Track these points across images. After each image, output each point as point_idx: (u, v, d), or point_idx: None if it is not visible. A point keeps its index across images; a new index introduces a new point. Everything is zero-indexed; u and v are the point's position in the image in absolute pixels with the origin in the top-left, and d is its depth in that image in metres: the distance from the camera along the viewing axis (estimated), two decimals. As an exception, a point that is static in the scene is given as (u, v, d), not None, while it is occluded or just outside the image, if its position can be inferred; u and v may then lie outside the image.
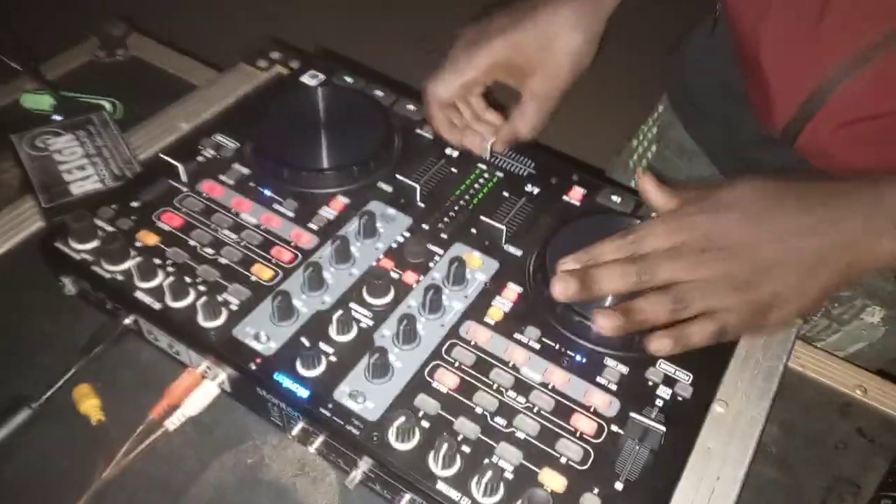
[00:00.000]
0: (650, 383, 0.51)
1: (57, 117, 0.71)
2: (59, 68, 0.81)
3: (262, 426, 0.52)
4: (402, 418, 0.45)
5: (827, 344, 0.75)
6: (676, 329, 0.50)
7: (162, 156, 0.61)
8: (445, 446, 0.44)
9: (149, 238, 0.57)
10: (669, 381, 0.51)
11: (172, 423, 0.50)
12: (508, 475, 0.45)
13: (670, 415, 0.49)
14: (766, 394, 0.56)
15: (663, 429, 0.46)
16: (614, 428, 0.48)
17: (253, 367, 0.50)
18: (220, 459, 0.51)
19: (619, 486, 0.45)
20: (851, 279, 0.51)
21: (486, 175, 0.64)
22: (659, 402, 0.50)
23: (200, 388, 0.52)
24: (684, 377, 0.51)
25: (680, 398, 0.50)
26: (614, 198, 0.63)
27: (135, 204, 0.59)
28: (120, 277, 0.54)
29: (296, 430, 0.49)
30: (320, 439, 0.48)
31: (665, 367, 0.52)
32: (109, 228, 0.57)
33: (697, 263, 0.49)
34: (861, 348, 0.74)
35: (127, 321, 0.54)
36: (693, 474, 0.50)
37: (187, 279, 0.54)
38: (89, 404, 0.51)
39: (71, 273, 0.55)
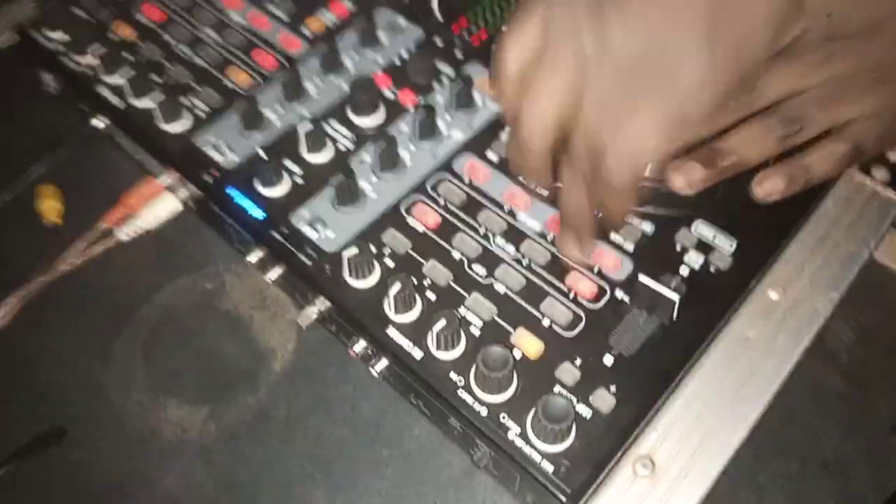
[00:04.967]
0: (678, 248, 0.40)
1: None
2: None
3: (229, 251, 0.46)
4: (355, 250, 0.38)
5: None
6: (791, 161, 0.38)
7: (151, -59, 0.53)
8: (397, 286, 0.36)
9: (124, 30, 0.50)
10: (704, 248, 0.40)
11: (126, 233, 0.45)
12: (475, 331, 0.37)
13: (696, 287, 0.39)
14: (839, 284, 0.44)
15: (677, 297, 0.36)
16: (619, 294, 0.39)
17: (207, 178, 0.43)
18: (178, 281, 0.46)
19: (608, 359, 0.36)
20: None
21: (526, -13, 0.52)
22: (684, 271, 0.39)
23: (159, 200, 0.46)
24: (726, 245, 0.40)
25: (713, 269, 0.39)
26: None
27: (118, -7, 0.52)
28: (87, 71, 0.48)
29: (252, 257, 0.43)
30: (277, 270, 0.42)
31: (703, 229, 0.41)
32: (86, 17, 0.51)
33: (822, 59, 0.37)
34: None
35: (98, 123, 0.49)
36: (721, 365, 0.40)
37: (155, 77, 0.47)
38: (47, 205, 0.47)
39: (46, 65, 0.50)
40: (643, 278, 0.37)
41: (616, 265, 0.39)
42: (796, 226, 0.43)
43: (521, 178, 0.42)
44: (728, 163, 0.38)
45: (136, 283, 0.45)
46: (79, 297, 0.44)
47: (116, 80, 0.47)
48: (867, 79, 0.37)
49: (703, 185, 0.38)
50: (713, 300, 0.39)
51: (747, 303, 0.42)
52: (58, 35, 0.50)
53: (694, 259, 0.40)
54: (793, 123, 0.37)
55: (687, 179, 0.38)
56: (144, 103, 0.46)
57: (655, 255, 0.40)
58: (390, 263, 0.40)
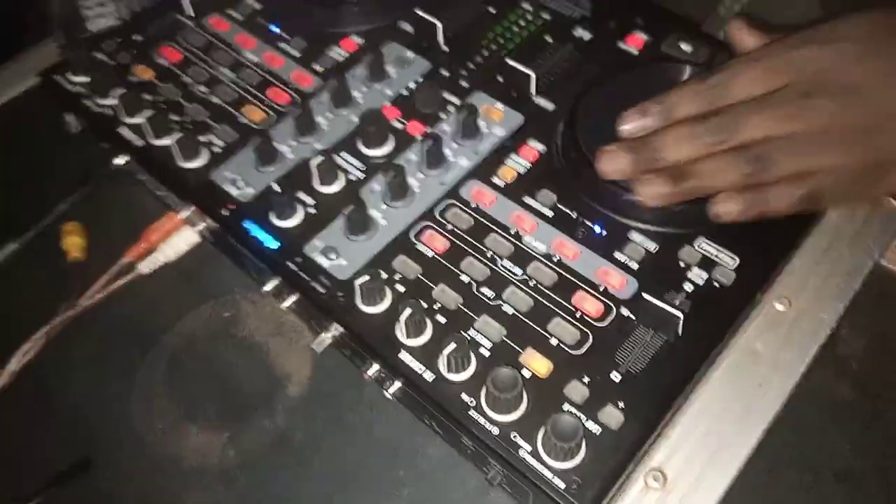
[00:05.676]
0: (682, 264, 0.41)
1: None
2: None
3: (246, 280, 0.48)
4: (366, 277, 0.39)
5: None
6: (752, 190, 0.39)
7: (168, -14, 0.56)
8: (408, 311, 0.38)
9: (144, 72, 0.52)
10: (707, 264, 0.41)
11: (147, 266, 0.47)
12: (485, 352, 0.38)
13: (700, 302, 0.39)
14: (844, 294, 0.44)
15: (681, 315, 0.37)
16: (625, 312, 0.39)
17: (224, 212, 0.45)
18: (197, 310, 0.47)
19: (615, 376, 0.37)
20: None
21: (528, 17, 0.54)
22: (688, 287, 0.40)
23: (178, 234, 0.48)
24: (728, 261, 0.41)
25: (717, 284, 0.40)
26: (683, 45, 0.51)
27: (137, 38, 0.55)
28: (108, 112, 0.50)
29: (269, 286, 0.44)
30: (292, 298, 0.43)
31: (706, 246, 0.42)
32: (109, 62, 0.53)
33: (797, 113, 0.38)
34: None
35: (120, 161, 0.51)
36: (731, 377, 0.41)
37: (173, 117, 0.49)
38: (71, 241, 0.49)
39: (68, 107, 0.52)
40: (648, 296, 0.38)
41: (621, 283, 0.40)
42: (800, 238, 0.43)
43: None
44: (690, 185, 0.39)
45: (157, 313, 0.47)
46: (102, 330, 0.46)
47: (137, 120, 0.49)
48: (837, 138, 0.38)
49: (663, 201, 0.40)
50: (717, 315, 0.39)
51: (754, 315, 0.42)
52: (80, 79, 0.52)
53: (698, 275, 0.41)
54: (758, 163, 0.38)
55: (649, 192, 0.40)
56: (163, 142, 0.48)
57: (660, 272, 0.41)
58: (401, 289, 0.41)
